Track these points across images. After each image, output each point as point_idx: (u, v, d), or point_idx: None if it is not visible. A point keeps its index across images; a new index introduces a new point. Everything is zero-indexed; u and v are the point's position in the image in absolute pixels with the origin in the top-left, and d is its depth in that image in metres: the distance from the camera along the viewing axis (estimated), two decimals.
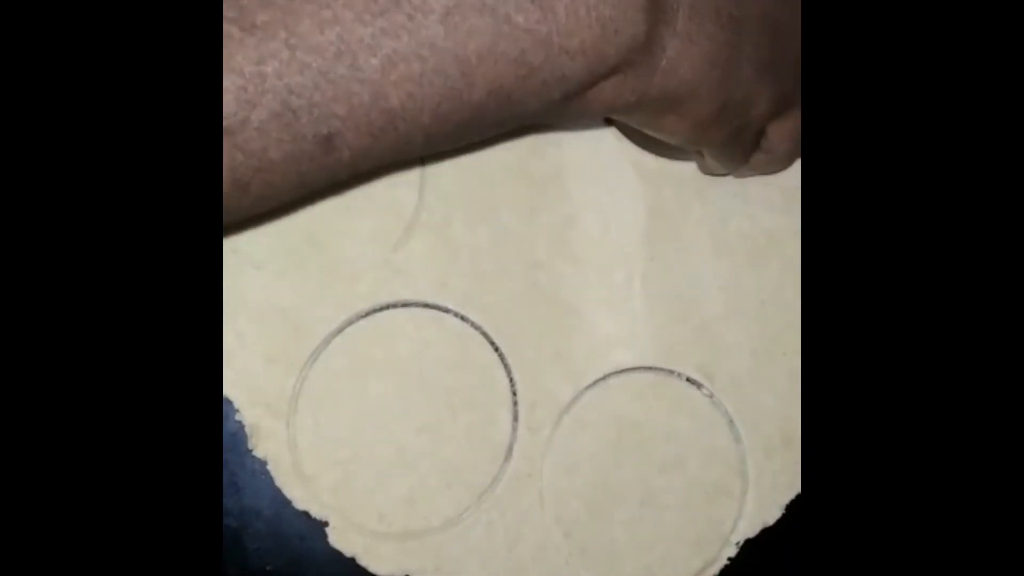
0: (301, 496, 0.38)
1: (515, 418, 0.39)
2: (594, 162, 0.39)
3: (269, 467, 0.37)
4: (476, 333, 0.39)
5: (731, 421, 0.39)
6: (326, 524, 0.38)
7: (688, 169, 0.39)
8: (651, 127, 0.31)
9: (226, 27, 0.22)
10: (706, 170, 0.38)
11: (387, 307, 0.38)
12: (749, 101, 0.30)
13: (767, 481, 0.40)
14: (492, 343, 0.39)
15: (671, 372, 0.39)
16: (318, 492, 0.38)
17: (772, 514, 0.40)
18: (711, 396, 0.40)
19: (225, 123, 0.22)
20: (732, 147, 0.33)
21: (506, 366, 0.39)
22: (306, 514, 0.38)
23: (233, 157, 0.23)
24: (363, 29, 0.23)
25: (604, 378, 0.39)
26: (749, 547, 0.40)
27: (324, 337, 0.38)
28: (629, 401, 0.39)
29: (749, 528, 0.40)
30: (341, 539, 0.38)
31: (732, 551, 0.40)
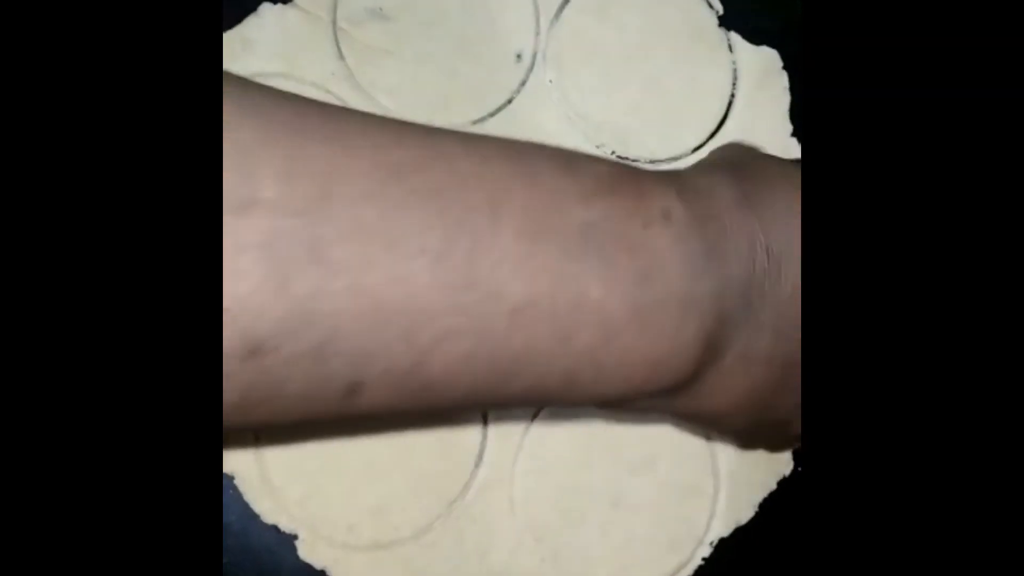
0: (269, 509, 0.37)
1: (484, 424, 0.38)
2: None
3: (236, 481, 0.37)
4: None
5: None
6: (295, 537, 0.37)
7: None
8: (682, 424, 0.33)
9: (293, 255, 0.20)
10: None
11: None
12: (789, 423, 0.30)
13: (740, 480, 0.40)
14: None
15: None
16: (286, 505, 0.37)
17: (746, 513, 0.40)
18: None
19: (260, 344, 0.20)
20: (770, 446, 0.35)
21: None
22: (275, 527, 0.37)
23: (251, 380, 0.21)
24: (433, 294, 0.21)
25: None
26: (723, 546, 0.40)
27: None
28: None
29: (723, 527, 0.40)
30: (310, 552, 0.37)
31: (706, 551, 0.39)
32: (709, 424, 0.31)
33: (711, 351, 0.25)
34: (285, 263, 0.20)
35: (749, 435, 0.33)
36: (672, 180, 0.26)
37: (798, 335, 0.27)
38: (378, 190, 0.21)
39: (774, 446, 0.37)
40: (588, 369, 0.24)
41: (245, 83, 0.22)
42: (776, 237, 0.26)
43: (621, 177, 0.25)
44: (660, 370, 0.25)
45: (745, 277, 0.25)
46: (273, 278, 0.20)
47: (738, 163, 0.28)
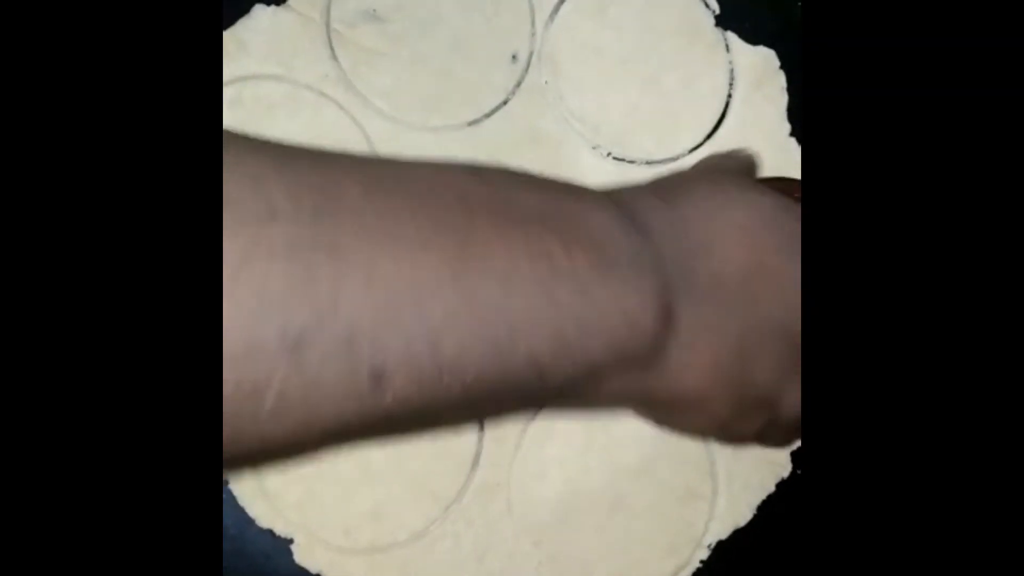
0: (265, 514, 0.37)
1: (481, 427, 0.38)
2: (554, 169, 0.39)
3: (231, 485, 0.37)
4: None
5: None
6: (291, 541, 0.37)
7: (648, 175, 0.39)
8: (670, 426, 0.33)
9: (314, 255, 0.23)
10: None
11: None
12: (775, 401, 0.31)
13: (738, 482, 0.39)
14: None
15: None
16: (282, 509, 0.37)
17: (744, 515, 0.40)
18: None
19: (296, 339, 0.22)
20: (766, 440, 0.34)
21: None
22: (270, 532, 0.37)
23: (290, 378, 0.22)
24: (435, 275, 0.24)
25: None
26: (721, 549, 0.39)
27: None
28: None
29: (721, 530, 0.39)
30: (307, 556, 0.37)
31: (704, 553, 0.39)
32: (691, 414, 0.32)
33: (667, 315, 0.28)
34: (309, 264, 0.23)
35: (738, 423, 0.32)
36: (598, 189, 0.30)
37: (741, 307, 0.30)
38: (370, 200, 0.24)
39: (770, 438, 0.36)
40: (573, 327, 0.26)
41: (237, 133, 0.25)
42: (696, 225, 0.30)
43: (557, 179, 0.29)
44: (632, 325, 0.27)
45: (676, 256, 0.29)
46: (300, 277, 0.22)
47: (657, 180, 0.32)
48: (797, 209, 0.33)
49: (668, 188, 0.32)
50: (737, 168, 0.35)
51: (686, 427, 0.33)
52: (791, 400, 0.32)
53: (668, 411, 0.32)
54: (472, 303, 0.25)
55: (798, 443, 0.39)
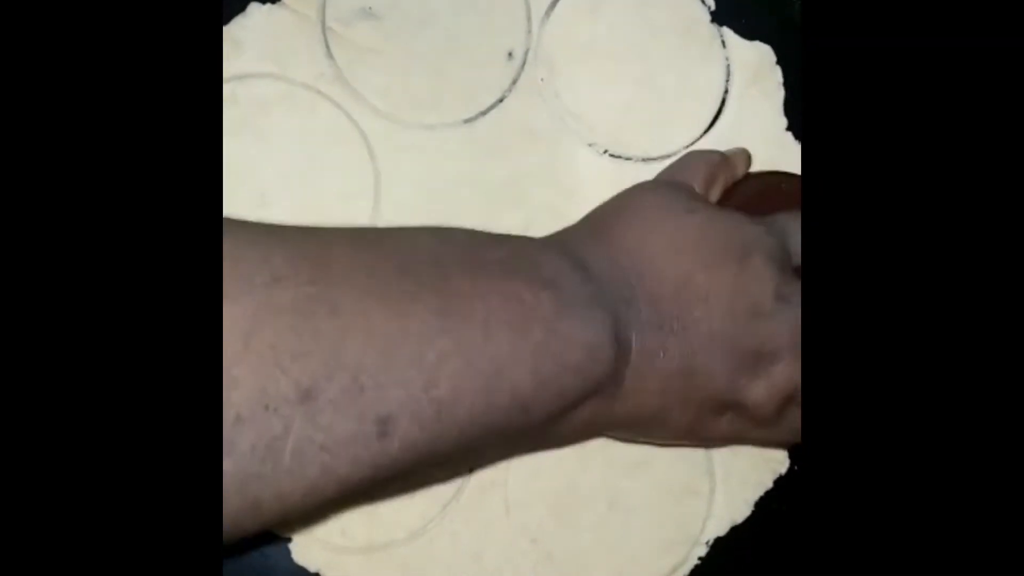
0: None
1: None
2: (550, 166, 0.39)
3: None
4: None
5: None
6: (288, 540, 0.37)
7: (645, 172, 0.39)
8: (640, 441, 0.36)
9: (317, 314, 0.25)
10: None
11: None
12: (737, 400, 0.33)
13: (735, 479, 0.39)
14: None
15: None
16: None
17: (741, 512, 0.40)
18: None
19: (308, 389, 0.24)
20: (744, 437, 0.36)
21: None
22: (268, 531, 0.37)
23: (304, 429, 0.24)
24: (424, 325, 0.27)
25: None
26: (719, 546, 0.39)
27: None
28: None
29: (718, 527, 0.39)
30: (304, 555, 0.37)
31: (702, 551, 0.39)
32: (655, 428, 0.34)
33: (620, 344, 0.31)
34: (313, 322, 0.25)
35: (704, 427, 0.34)
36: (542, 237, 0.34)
37: (679, 324, 0.32)
38: (357, 264, 0.27)
39: (746, 434, 0.36)
40: (547, 362, 0.29)
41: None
42: (628, 257, 0.33)
43: (509, 235, 0.32)
44: (593, 357, 0.30)
45: (615, 289, 0.31)
46: (307, 334, 0.25)
47: (592, 214, 0.35)
48: (725, 219, 0.34)
49: (601, 222, 0.35)
50: (687, 177, 0.37)
51: (655, 440, 0.35)
52: (754, 395, 0.33)
53: (634, 430, 0.34)
54: (459, 348, 0.27)
55: (782, 438, 0.38)
